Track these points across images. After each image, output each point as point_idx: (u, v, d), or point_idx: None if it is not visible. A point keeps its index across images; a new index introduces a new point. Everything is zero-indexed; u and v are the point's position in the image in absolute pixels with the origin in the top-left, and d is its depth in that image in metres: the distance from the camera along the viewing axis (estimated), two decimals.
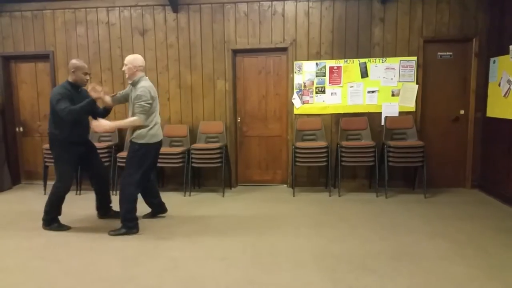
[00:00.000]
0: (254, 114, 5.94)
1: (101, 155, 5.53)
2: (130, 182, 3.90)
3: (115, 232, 3.96)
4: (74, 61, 4.03)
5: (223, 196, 5.46)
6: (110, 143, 5.80)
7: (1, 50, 6.11)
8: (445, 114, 5.60)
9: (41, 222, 4.17)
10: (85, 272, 3.15)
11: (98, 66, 5.98)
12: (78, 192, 5.73)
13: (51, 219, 4.14)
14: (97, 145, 5.58)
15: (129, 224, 3.96)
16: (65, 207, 4.23)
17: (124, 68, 3.96)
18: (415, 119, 5.53)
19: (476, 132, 5.51)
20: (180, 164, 5.51)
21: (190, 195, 5.54)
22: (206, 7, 5.69)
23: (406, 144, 5.17)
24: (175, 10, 5.70)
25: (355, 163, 5.30)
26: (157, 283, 2.95)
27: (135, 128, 3.88)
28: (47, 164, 5.72)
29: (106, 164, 5.64)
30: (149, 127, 3.88)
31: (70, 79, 4.03)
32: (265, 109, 5.90)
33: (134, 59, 3.94)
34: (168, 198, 5.39)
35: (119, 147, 5.87)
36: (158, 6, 5.76)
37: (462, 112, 5.57)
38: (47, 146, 5.64)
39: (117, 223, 4.07)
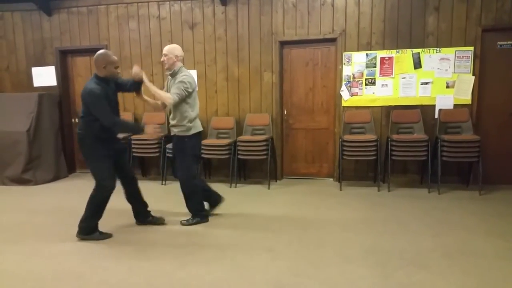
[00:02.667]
0: (300, 106, 5.87)
1: (151, 147, 5.78)
2: (190, 175, 3.94)
3: (188, 222, 4.04)
4: (103, 55, 3.60)
5: (269, 188, 5.46)
6: (160, 134, 5.96)
7: (58, 44, 6.43)
8: (503, 108, 5.26)
9: None
10: (138, 258, 3.26)
11: (149, 59, 6.15)
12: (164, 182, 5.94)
13: (93, 227, 3.72)
14: (148, 136, 5.80)
15: (201, 213, 4.09)
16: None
17: (164, 58, 3.83)
18: (470, 112, 5.24)
19: None
20: (227, 156, 5.57)
21: (236, 187, 5.59)
22: None
23: (461, 138, 4.92)
24: (224, 3, 5.73)
25: (407, 158, 5.11)
26: (206, 271, 3.00)
27: (177, 123, 3.84)
28: None
29: (155, 155, 5.82)
30: (192, 118, 3.86)
31: (100, 74, 3.59)
32: (312, 101, 5.82)
33: (174, 48, 3.84)
34: (214, 188, 5.48)
35: (168, 139, 6.01)
36: None
37: None
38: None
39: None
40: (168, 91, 3.90)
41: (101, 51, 3.67)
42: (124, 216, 4.24)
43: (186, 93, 3.76)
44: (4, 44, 6.62)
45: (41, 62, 6.51)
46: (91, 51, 6.36)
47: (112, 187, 3.63)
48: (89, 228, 3.68)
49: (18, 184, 5.87)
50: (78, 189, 5.61)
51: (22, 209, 4.67)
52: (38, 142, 5.96)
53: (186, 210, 4.13)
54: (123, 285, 2.82)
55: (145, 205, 4.08)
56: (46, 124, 6.15)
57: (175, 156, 4.04)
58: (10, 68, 6.67)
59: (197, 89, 4.02)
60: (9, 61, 6.65)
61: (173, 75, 3.87)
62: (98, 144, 3.59)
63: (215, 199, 4.34)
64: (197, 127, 3.95)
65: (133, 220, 4.11)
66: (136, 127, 3.96)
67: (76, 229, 3.71)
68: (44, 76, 6.38)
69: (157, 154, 5.83)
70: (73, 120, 6.75)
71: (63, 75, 6.57)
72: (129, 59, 6.20)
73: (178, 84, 3.74)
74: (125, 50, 6.19)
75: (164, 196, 5.19)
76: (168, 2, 5.96)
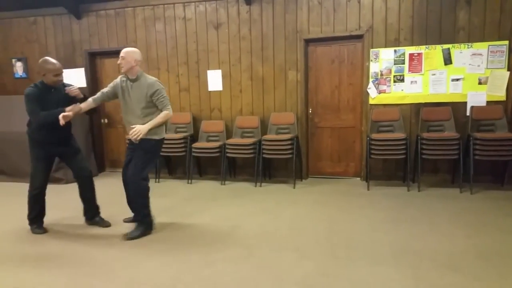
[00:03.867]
0: (326, 104, 5.80)
1: (177, 146, 5.83)
2: (143, 177, 3.72)
3: (131, 235, 3.70)
4: (41, 63, 3.69)
5: (294, 187, 5.42)
6: (185, 133, 6.01)
7: (88, 47, 6.58)
8: None
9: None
10: (166, 255, 3.29)
11: (175, 60, 6.22)
12: (157, 180, 6.02)
13: (31, 219, 3.97)
14: (173, 136, 5.86)
15: (147, 219, 3.79)
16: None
17: (121, 61, 3.59)
18: (505, 109, 5.05)
19: None
20: (251, 155, 5.56)
21: (260, 186, 5.57)
22: None
23: (494, 136, 4.74)
24: (248, 2, 5.73)
25: (437, 156, 4.97)
26: (234, 269, 2.99)
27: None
28: None
29: (182, 154, 5.87)
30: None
31: (44, 80, 3.71)
32: (338, 99, 5.74)
33: (133, 52, 3.62)
34: (240, 188, 5.51)
35: (194, 138, 6.06)
36: None
37: None
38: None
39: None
40: (120, 93, 3.76)
41: (42, 58, 3.75)
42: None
43: (167, 100, 3.67)
44: (37, 47, 6.83)
45: (71, 64, 6.67)
46: (119, 52, 6.46)
47: (36, 189, 3.87)
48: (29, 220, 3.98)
49: (50, 183, 5.99)
50: (107, 187, 5.71)
51: (54, 207, 4.79)
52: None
53: (213, 208, 4.15)
54: (152, 282, 2.85)
55: (93, 207, 4.15)
56: (77, 124, 6.28)
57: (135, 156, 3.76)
58: None
59: None
60: None
61: (135, 80, 3.64)
62: (40, 146, 3.80)
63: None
64: (164, 131, 3.79)
65: (160, 219, 4.15)
66: (56, 112, 3.60)
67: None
68: (74, 78, 6.52)
69: (183, 154, 5.88)
70: (102, 120, 6.89)
71: (92, 77, 6.73)
72: (156, 60, 6.29)
73: (156, 96, 3.58)
74: (151, 51, 6.28)
75: (190, 195, 5.22)
76: (193, 3, 6.00)
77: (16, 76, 7.05)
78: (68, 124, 3.77)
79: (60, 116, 3.53)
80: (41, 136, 3.77)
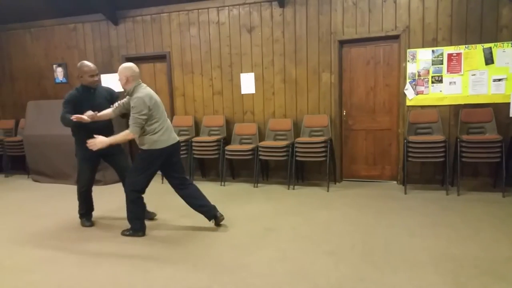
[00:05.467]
0: (361, 106, 5.71)
1: (210, 148, 5.89)
2: (134, 188, 3.75)
3: (124, 232, 3.94)
4: (79, 66, 4.03)
5: (328, 190, 5.35)
6: (219, 136, 6.07)
7: (125, 52, 6.77)
8: None
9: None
10: (202, 256, 3.32)
11: (209, 64, 6.29)
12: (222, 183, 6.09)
13: (81, 214, 4.31)
14: (207, 138, 5.92)
15: (134, 227, 3.87)
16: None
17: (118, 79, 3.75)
18: None
19: None
20: (284, 158, 5.54)
21: (293, 189, 5.53)
22: None
23: None
24: (282, 5, 5.73)
25: (478, 159, 4.78)
26: (268, 272, 2.98)
27: (140, 135, 3.68)
28: None
29: (215, 156, 5.93)
30: (150, 133, 3.64)
31: (82, 82, 4.06)
32: (373, 101, 5.63)
33: (124, 68, 3.67)
34: (272, 190, 5.50)
35: (227, 141, 6.11)
36: (265, 2, 5.84)
37: None
38: None
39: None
40: (125, 107, 3.85)
41: (80, 62, 4.09)
42: (188, 217, 4.36)
43: (141, 118, 3.56)
44: (76, 53, 7.10)
45: (109, 69, 6.88)
46: (155, 57, 6.66)
47: (84, 187, 4.17)
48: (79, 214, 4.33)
49: None
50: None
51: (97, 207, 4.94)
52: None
53: (246, 210, 4.16)
54: (189, 281, 2.88)
55: None
56: (115, 129, 6.47)
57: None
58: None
59: (158, 104, 3.70)
60: None
61: (130, 94, 3.70)
62: (80, 146, 4.02)
63: (211, 215, 4.11)
64: (155, 143, 3.67)
65: (194, 221, 4.21)
66: (69, 118, 3.84)
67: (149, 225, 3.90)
68: (112, 83, 6.72)
69: (216, 156, 5.93)
70: None
71: None
72: (190, 64, 6.39)
73: (132, 111, 3.59)
74: (186, 56, 6.38)
75: (223, 197, 5.26)
76: (227, 8, 6.06)
77: (57, 81, 7.34)
78: (110, 127, 4.15)
79: (73, 117, 3.79)
80: (82, 137, 3.95)
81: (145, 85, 3.76)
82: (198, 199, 3.97)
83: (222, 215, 4.01)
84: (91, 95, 4.06)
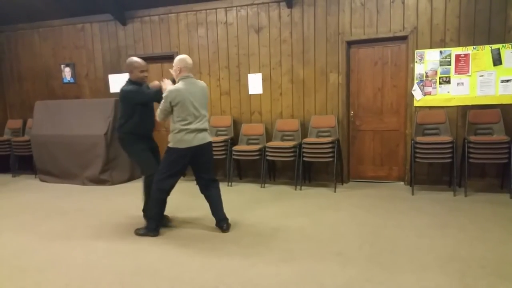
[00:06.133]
0: (368, 107, 5.71)
1: (217, 149, 5.92)
2: (159, 186, 3.81)
3: (138, 231, 3.94)
4: (129, 61, 4.08)
5: (335, 191, 5.36)
6: (226, 137, 6.09)
7: (133, 52, 6.79)
8: None
9: None
10: (209, 256, 3.34)
11: (216, 64, 6.32)
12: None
13: (153, 216, 4.00)
14: (214, 139, 5.94)
15: (150, 226, 3.90)
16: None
17: (172, 70, 3.88)
18: None
19: None
20: (292, 158, 5.56)
21: (301, 189, 5.55)
22: (320, 0, 5.63)
23: None
24: (290, 5, 5.74)
25: (486, 160, 4.77)
26: (276, 272, 3.00)
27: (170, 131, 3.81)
28: None
29: (222, 157, 5.95)
30: (175, 131, 3.73)
31: (132, 78, 4.08)
32: (381, 102, 5.63)
33: (178, 60, 3.80)
34: (279, 191, 5.51)
35: (234, 141, 6.13)
36: (273, 3, 5.86)
37: None
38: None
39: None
40: None
41: (129, 58, 4.16)
42: (194, 217, 4.38)
43: (165, 107, 3.69)
44: (84, 53, 7.15)
45: (117, 69, 6.93)
46: (163, 58, 6.69)
47: (152, 174, 3.96)
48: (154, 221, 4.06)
49: (96, 184, 6.28)
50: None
51: (102, 208, 4.99)
52: (114, 145, 6.31)
53: (253, 211, 4.17)
54: (196, 281, 2.90)
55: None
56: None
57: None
58: (89, 75, 7.18)
59: (188, 102, 3.70)
60: (88, 69, 7.17)
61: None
62: (137, 139, 4.05)
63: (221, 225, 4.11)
64: (179, 142, 3.73)
65: (201, 221, 4.22)
66: (153, 91, 4.01)
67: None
68: (120, 83, 6.76)
69: (223, 156, 5.96)
70: None
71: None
72: (198, 64, 6.41)
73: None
74: (194, 56, 6.41)
75: (230, 197, 5.28)
76: (235, 8, 6.09)
77: (65, 81, 7.39)
78: (153, 119, 4.18)
79: (156, 83, 4.01)
80: (142, 130, 4.07)
81: (193, 80, 3.81)
82: (213, 206, 4.00)
83: (227, 229, 3.96)
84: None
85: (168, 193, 3.87)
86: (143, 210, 4.21)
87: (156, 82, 4.10)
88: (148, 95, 3.99)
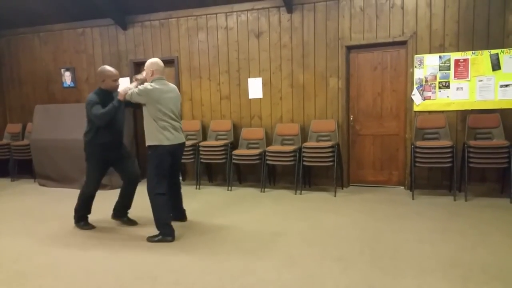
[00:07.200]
0: (368, 112, 5.72)
1: (217, 153, 5.92)
2: (158, 191, 3.82)
3: (151, 239, 3.85)
4: (102, 70, 4.13)
5: (335, 195, 5.36)
6: (226, 141, 6.09)
7: (133, 57, 6.82)
8: None
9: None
10: (209, 262, 3.34)
11: (216, 69, 6.33)
12: (198, 187, 6.12)
13: (79, 217, 4.32)
14: (214, 143, 5.95)
15: (163, 231, 3.84)
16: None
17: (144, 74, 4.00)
18: None
19: None
20: (291, 163, 5.56)
21: (301, 194, 5.54)
22: (320, 5, 5.65)
23: None
24: (290, 10, 5.76)
25: (485, 165, 4.79)
26: (276, 278, 2.99)
27: (146, 132, 3.88)
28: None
29: (222, 161, 5.95)
30: (155, 130, 3.78)
31: (102, 86, 4.12)
32: (381, 106, 5.65)
33: (149, 63, 3.93)
34: (279, 195, 5.51)
35: (234, 145, 6.13)
36: (273, 8, 5.88)
37: None
38: None
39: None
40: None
41: (101, 66, 4.21)
42: (194, 222, 4.38)
43: (137, 98, 3.79)
44: (85, 57, 7.16)
45: None
46: (163, 62, 6.63)
47: (91, 192, 4.23)
48: (77, 218, 4.35)
49: None
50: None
51: (102, 212, 4.97)
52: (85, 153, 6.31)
53: (253, 215, 4.17)
54: (196, 287, 2.89)
55: (129, 207, 4.43)
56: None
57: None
58: (89, 79, 7.18)
59: (166, 101, 3.81)
60: (88, 73, 7.17)
61: None
62: (98, 151, 4.10)
63: (180, 217, 4.36)
64: (163, 139, 3.79)
65: (201, 225, 4.22)
66: (114, 104, 3.96)
67: (150, 233, 3.91)
68: (120, 87, 6.77)
69: (223, 161, 5.95)
70: None
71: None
72: (198, 69, 6.42)
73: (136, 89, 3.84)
74: (194, 60, 6.42)
75: (230, 201, 5.28)
76: (235, 13, 6.11)
77: (65, 85, 7.39)
78: (120, 129, 4.20)
79: (116, 100, 3.94)
80: (103, 139, 4.07)
81: (166, 82, 3.94)
82: (178, 203, 4.31)
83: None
84: (110, 99, 4.09)
85: (165, 193, 3.89)
86: (76, 216, 4.35)
87: (121, 92, 3.96)
88: (98, 116, 3.93)
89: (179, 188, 4.29)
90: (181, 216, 4.35)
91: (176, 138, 3.89)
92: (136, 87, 3.87)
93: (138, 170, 4.39)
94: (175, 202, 4.27)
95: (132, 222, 4.37)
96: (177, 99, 4.00)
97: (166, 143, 3.79)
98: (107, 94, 4.10)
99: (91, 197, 4.29)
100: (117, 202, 4.40)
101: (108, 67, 4.16)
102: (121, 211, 4.41)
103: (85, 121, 4.14)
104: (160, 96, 3.79)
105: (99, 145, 4.08)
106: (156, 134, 3.78)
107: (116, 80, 4.13)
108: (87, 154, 4.18)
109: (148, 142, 3.84)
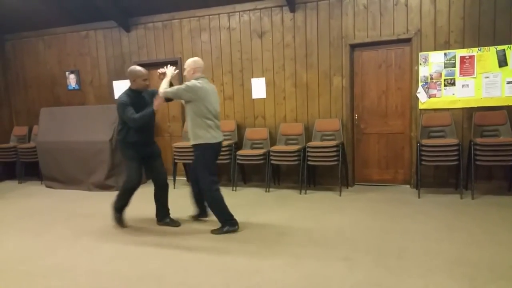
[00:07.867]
0: (373, 110, 5.69)
1: (221, 153, 5.86)
2: (210, 187, 3.95)
3: (217, 231, 3.99)
4: (132, 70, 4.16)
5: (340, 195, 5.33)
6: (230, 141, 6.08)
7: (136, 59, 6.82)
8: None
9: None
10: (215, 262, 3.33)
11: (220, 69, 6.32)
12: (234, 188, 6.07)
13: (117, 208, 4.36)
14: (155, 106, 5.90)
15: (229, 221, 4.01)
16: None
17: (185, 72, 4.06)
18: None
19: None
20: (296, 162, 5.53)
21: (305, 193, 5.52)
22: (323, 3, 5.62)
23: None
24: (292, 9, 5.74)
25: (493, 162, 4.73)
26: (282, 277, 2.98)
27: (192, 131, 3.94)
28: (176, 161, 6.23)
29: (226, 161, 5.93)
30: (202, 128, 3.88)
31: (132, 87, 4.17)
32: (385, 104, 5.61)
33: (191, 62, 4.03)
34: (284, 195, 5.49)
35: (238, 145, 6.12)
36: (276, 7, 5.87)
37: None
38: (177, 144, 6.17)
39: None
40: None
41: (131, 67, 4.25)
42: (199, 222, 4.37)
43: (184, 95, 3.85)
44: (89, 60, 7.18)
45: (121, 75, 6.94)
46: (167, 64, 6.66)
47: (134, 185, 4.20)
48: (116, 208, 4.38)
49: (101, 190, 6.29)
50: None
51: (107, 214, 4.98)
52: (119, 150, 6.34)
53: (258, 215, 4.15)
54: (202, 286, 2.89)
55: (165, 209, 4.46)
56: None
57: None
58: (93, 82, 7.21)
59: (210, 99, 3.92)
60: (93, 76, 7.20)
61: None
62: (131, 146, 4.16)
63: (203, 214, 4.45)
64: (212, 137, 3.92)
65: (206, 226, 4.22)
66: (151, 111, 4.03)
67: (156, 233, 3.92)
68: (124, 89, 6.78)
69: (228, 161, 5.94)
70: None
71: None
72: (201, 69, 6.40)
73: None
74: None
75: (235, 202, 5.25)
76: (238, 13, 6.10)
77: (69, 88, 7.42)
78: (151, 129, 4.34)
79: (154, 107, 4.01)
80: (135, 138, 4.14)
81: (207, 81, 4.03)
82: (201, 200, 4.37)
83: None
84: (140, 98, 4.17)
85: (219, 188, 4.02)
86: (115, 206, 4.37)
87: (160, 95, 4.01)
88: (133, 120, 3.97)
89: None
90: (204, 212, 4.43)
91: (220, 136, 4.06)
92: (168, 84, 3.99)
93: (165, 173, 4.42)
94: (201, 198, 4.31)
95: (175, 223, 4.36)
96: (217, 99, 4.09)
97: (213, 141, 3.93)
98: (137, 94, 4.16)
99: (133, 189, 4.27)
100: (156, 207, 4.45)
101: (138, 67, 4.20)
102: (159, 215, 4.45)
103: (115, 122, 4.26)
104: (206, 94, 3.90)
105: (131, 143, 4.16)
106: (204, 133, 3.89)
107: (146, 80, 4.17)
108: (121, 151, 4.32)
109: (196, 141, 3.92)
